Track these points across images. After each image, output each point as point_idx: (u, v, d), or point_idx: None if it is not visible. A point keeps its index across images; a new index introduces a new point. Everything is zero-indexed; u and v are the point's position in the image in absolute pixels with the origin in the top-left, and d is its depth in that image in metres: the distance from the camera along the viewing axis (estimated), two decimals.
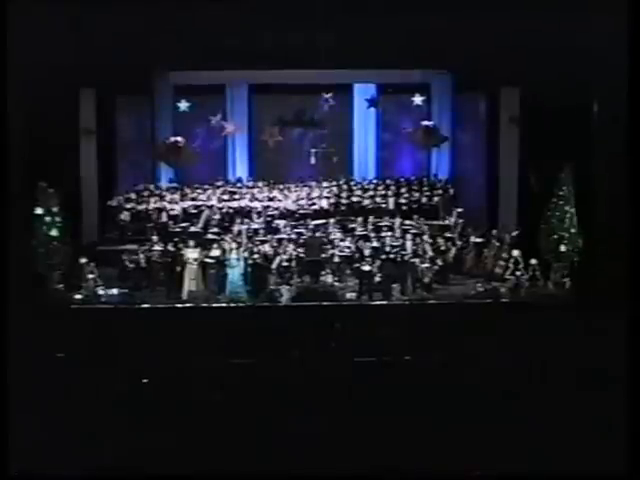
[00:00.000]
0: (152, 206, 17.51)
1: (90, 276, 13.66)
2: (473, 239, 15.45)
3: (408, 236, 14.88)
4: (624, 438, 7.16)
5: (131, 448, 7.48)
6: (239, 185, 18.77)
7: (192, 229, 16.46)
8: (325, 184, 18.41)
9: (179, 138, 18.49)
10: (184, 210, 17.50)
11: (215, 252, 14.05)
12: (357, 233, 15.76)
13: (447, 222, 16.73)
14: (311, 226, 15.99)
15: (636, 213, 9.08)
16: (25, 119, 12.52)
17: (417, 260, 14.10)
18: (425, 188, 18.23)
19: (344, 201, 17.79)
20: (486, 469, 7.16)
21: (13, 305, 8.79)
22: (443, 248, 14.88)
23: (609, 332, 9.88)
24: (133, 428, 7.86)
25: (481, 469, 7.13)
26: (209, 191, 18.10)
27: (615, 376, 8.16)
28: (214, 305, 13.28)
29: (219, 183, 18.64)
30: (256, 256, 13.96)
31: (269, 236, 15.47)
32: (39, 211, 13.63)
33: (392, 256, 13.98)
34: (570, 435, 7.60)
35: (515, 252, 14.02)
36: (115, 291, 13.78)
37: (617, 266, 10.82)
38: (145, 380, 9.32)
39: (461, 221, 16.32)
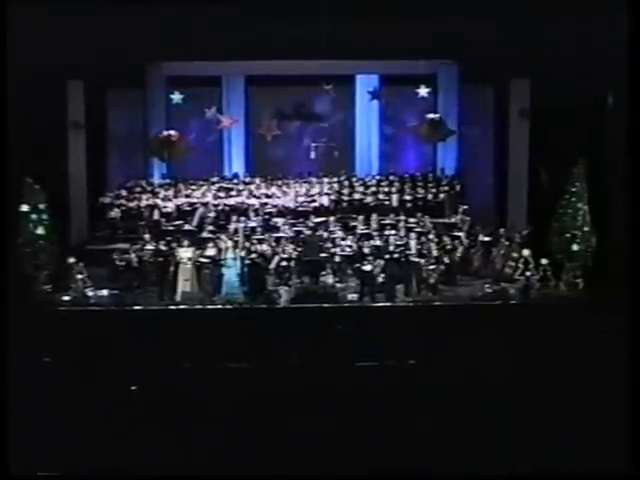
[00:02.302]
0: (144, 203, 17.53)
1: (79, 277, 13.67)
2: (481, 238, 15.46)
3: (412, 235, 14.88)
4: (625, 437, 7.27)
5: (121, 456, 7.51)
6: (235, 181, 18.78)
7: (186, 227, 16.47)
8: (326, 180, 18.41)
9: (172, 132, 18.48)
10: (178, 207, 17.51)
11: (210, 251, 14.06)
12: (359, 231, 15.76)
13: (454, 220, 16.73)
14: (311, 224, 16.00)
15: None
16: (11, 112, 12.51)
17: (422, 260, 14.10)
18: (430, 184, 18.23)
19: (345, 198, 17.81)
20: (488, 469, 7.23)
21: None
22: (449, 247, 14.88)
23: (623, 335, 9.87)
24: (124, 435, 7.89)
25: (482, 469, 7.21)
26: (204, 187, 18.11)
27: (630, 382, 8.17)
28: (209, 307, 13.29)
29: (214, 179, 18.66)
30: (253, 256, 13.96)
31: (267, 235, 15.46)
32: (25, 208, 13.63)
33: (396, 256, 13.98)
34: (581, 436, 7.67)
35: (525, 251, 14.02)
36: (105, 292, 13.80)
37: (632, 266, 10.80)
38: (133, 387, 9.34)
39: (468, 219, 16.33)
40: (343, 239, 15.19)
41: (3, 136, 10.04)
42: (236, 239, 14.75)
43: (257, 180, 18.55)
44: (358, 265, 13.99)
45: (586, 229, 13.92)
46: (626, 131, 10.73)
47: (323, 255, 14.41)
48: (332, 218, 16.38)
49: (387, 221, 16.24)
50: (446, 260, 14.42)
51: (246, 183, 18.52)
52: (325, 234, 15.36)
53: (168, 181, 18.82)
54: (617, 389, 8.35)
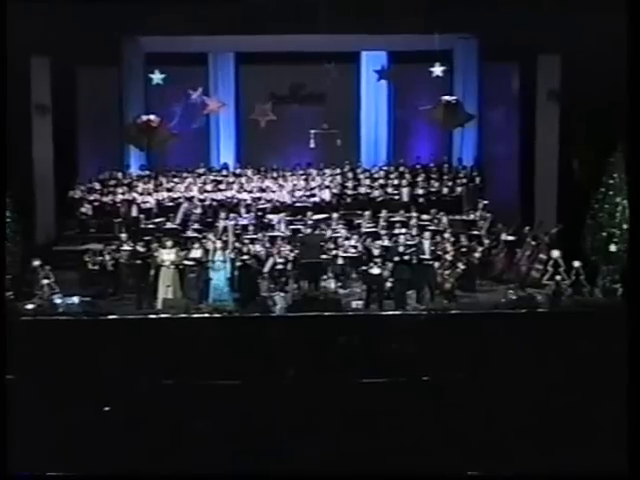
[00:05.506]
0: (120, 198, 17.56)
1: (45, 282, 13.64)
2: (504, 237, 15.46)
3: (426, 234, 14.85)
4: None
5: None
6: (224, 173, 18.82)
7: (168, 225, 16.48)
8: (327, 172, 18.46)
9: (152, 117, 18.37)
10: (158, 203, 17.53)
11: (196, 253, 14.06)
12: (365, 230, 15.79)
13: (472, 217, 16.73)
14: (310, 222, 16.02)
15: None
16: None
17: (437, 262, 14.11)
18: (446, 176, 18.28)
19: (349, 192, 17.85)
20: (493, 469, 7.32)
21: None
22: (468, 248, 14.89)
23: None
24: (100, 459, 7.94)
25: (488, 469, 7.31)
26: (188, 180, 18.14)
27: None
28: (194, 316, 13.26)
29: (200, 171, 18.70)
30: (245, 257, 13.96)
31: (260, 234, 15.49)
32: None
33: (407, 257, 13.96)
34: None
35: (555, 253, 14.00)
36: (75, 299, 13.73)
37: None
38: (107, 408, 9.38)
39: (489, 216, 16.33)
40: (347, 239, 15.22)
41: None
42: (225, 239, 14.73)
43: (249, 172, 18.59)
44: (364, 268, 14.00)
45: (625, 227, 13.89)
46: None
47: (324, 257, 14.42)
48: (334, 215, 16.40)
49: (397, 218, 16.23)
50: (464, 263, 14.42)
51: (236, 175, 18.56)
52: (326, 233, 15.37)
53: (147, 173, 18.86)
54: None
